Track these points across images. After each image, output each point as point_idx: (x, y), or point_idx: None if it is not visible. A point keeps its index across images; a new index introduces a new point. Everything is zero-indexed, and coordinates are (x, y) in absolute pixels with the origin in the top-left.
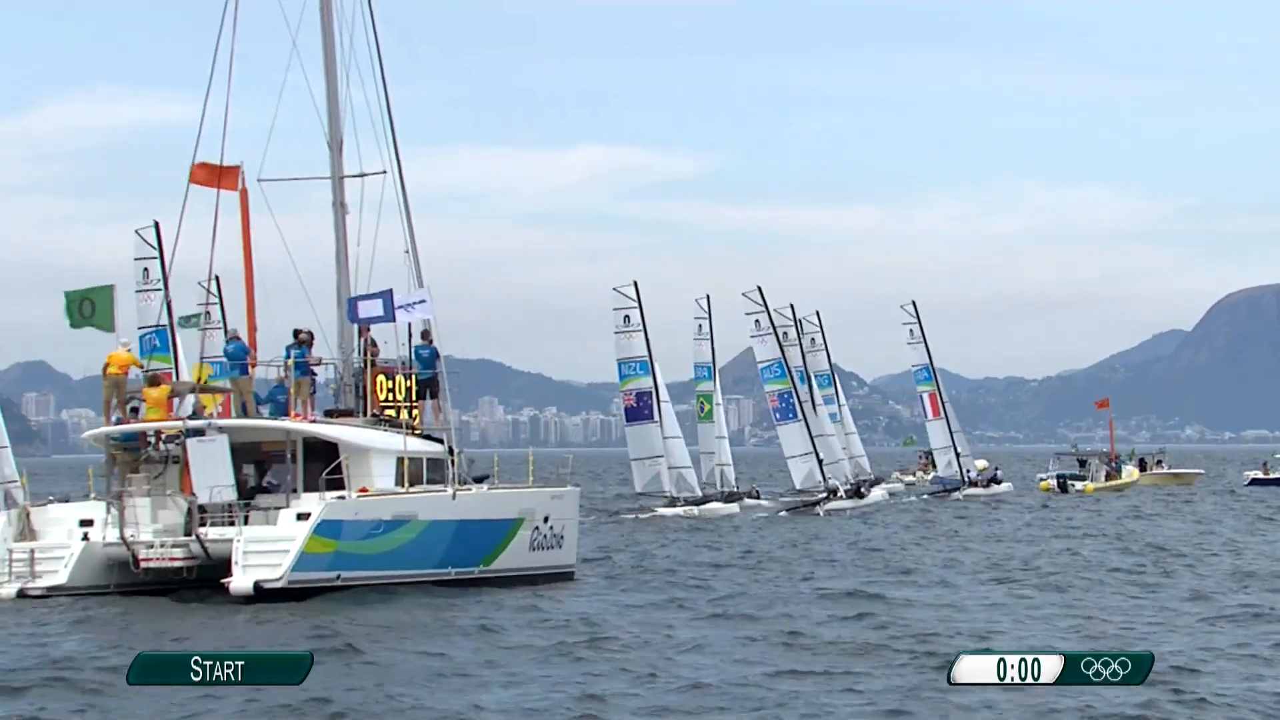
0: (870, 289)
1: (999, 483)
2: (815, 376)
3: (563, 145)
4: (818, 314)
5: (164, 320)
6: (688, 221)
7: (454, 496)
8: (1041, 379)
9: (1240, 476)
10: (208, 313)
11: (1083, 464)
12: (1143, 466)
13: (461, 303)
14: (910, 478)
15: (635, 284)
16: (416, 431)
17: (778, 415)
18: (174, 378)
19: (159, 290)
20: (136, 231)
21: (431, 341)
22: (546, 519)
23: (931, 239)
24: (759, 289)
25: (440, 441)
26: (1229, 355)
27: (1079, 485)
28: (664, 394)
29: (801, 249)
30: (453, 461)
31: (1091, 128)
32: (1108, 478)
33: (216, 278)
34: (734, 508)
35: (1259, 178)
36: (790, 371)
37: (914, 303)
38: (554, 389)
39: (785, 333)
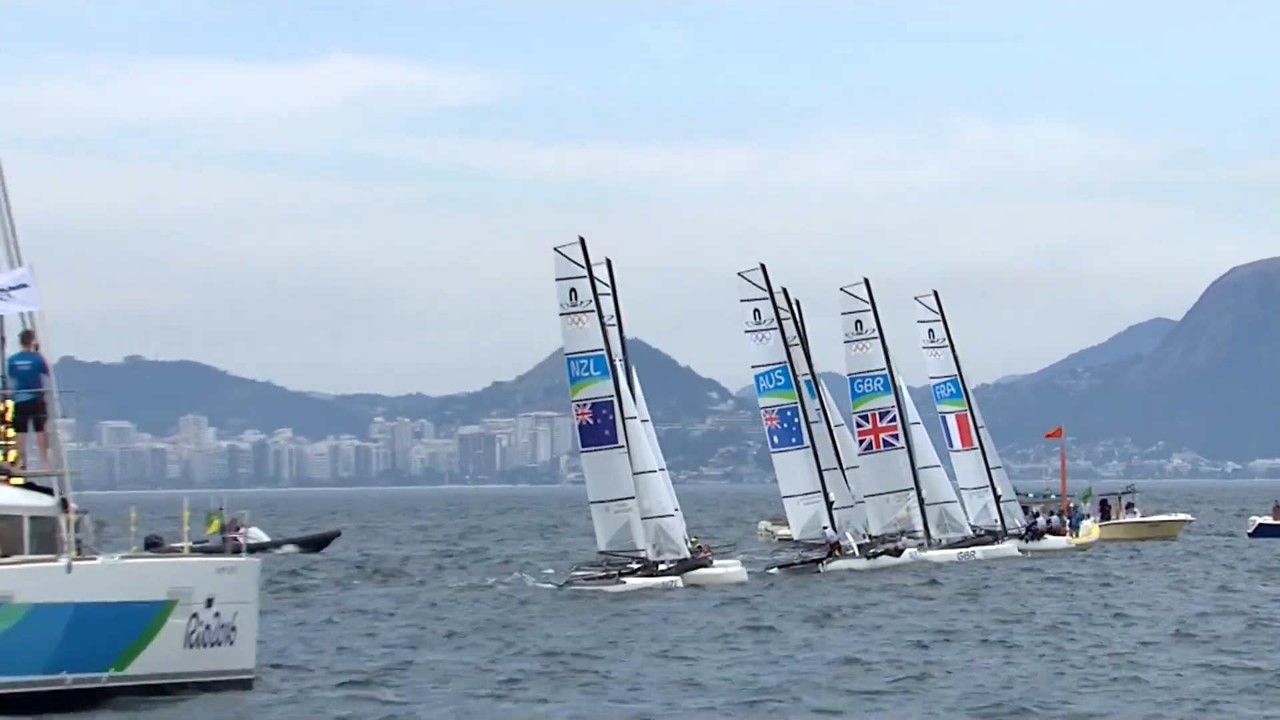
0: (738, 261)
1: (1055, 533)
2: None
3: (300, 57)
4: (785, 293)
5: None
6: (479, 166)
7: (69, 569)
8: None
9: (1245, 524)
10: None
11: (1026, 511)
12: (1105, 512)
13: (149, 284)
14: (785, 529)
15: (582, 241)
16: (14, 478)
17: (776, 439)
18: None
19: None
20: None
21: (37, 347)
22: (210, 602)
23: (825, 193)
24: (762, 267)
25: (49, 492)
26: (1232, 354)
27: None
28: (631, 407)
29: (640, 205)
30: (68, 520)
31: (1052, 42)
32: (1053, 533)
33: None
34: (738, 572)
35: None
36: (797, 380)
37: (935, 293)
38: (289, 404)
39: (792, 339)
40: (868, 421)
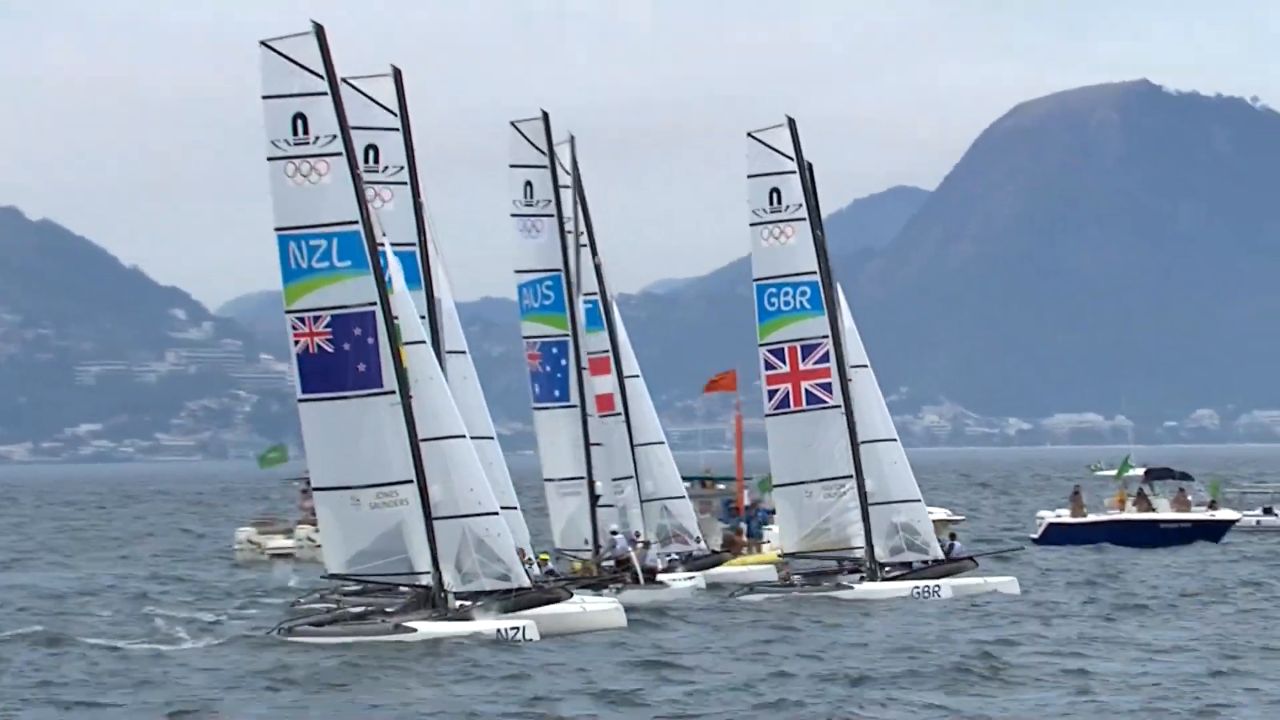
0: (210, 97)
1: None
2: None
3: None
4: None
5: None
6: None
7: None
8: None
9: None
10: None
11: None
12: None
13: None
14: (278, 539)
15: (318, 31)
16: None
17: (538, 389)
18: None
19: None
20: None
21: None
22: None
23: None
24: (544, 115)
25: None
26: (1019, 244)
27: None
28: (416, 327)
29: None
30: None
31: None
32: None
33: None
34: (612, 613)
35: None
36: (572, 294)
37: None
38: None
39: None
40: (783, 360)
